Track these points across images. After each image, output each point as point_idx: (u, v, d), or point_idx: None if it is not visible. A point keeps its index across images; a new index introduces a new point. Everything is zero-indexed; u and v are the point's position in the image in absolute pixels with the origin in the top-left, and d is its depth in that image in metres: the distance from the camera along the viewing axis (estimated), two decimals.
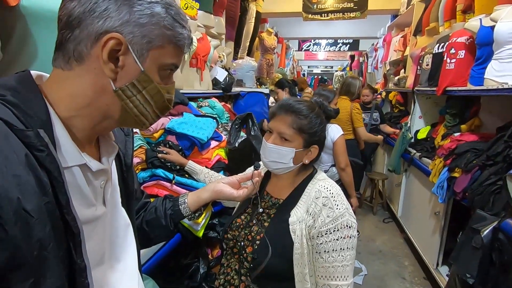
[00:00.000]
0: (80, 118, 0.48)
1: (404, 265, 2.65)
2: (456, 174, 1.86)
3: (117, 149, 0.60)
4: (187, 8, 2.12)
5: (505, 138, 1.54)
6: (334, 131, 2.06)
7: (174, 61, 0.52)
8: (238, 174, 1.11)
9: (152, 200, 0.85)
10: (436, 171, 2.12)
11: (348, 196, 2.05)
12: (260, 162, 1.01)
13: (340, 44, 9.86)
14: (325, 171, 2.04)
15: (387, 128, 3.61)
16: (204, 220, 1.30)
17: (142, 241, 0.76)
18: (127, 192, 0.65)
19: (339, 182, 2.08)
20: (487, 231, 1.39)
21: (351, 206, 2.08)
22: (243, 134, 1.71)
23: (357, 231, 3.07)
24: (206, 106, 2.04)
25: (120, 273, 0.59)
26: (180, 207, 0.82)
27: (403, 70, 4.04)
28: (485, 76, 1.79)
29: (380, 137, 3.32)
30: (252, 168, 1.13)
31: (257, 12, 4.14)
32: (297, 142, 0.90)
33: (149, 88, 0.51)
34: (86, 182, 0.50)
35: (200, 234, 1.29)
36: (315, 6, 5.06)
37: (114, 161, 0.60)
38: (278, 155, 0.90)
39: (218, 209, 1.51)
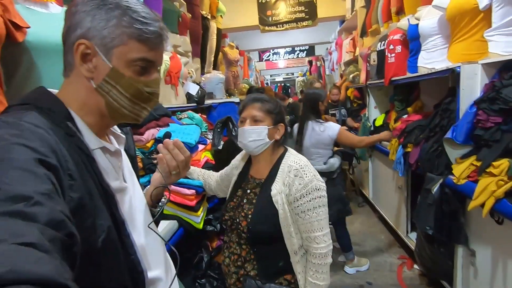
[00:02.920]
0: (87, 115, 0.59)
1: (381, 239, 2.95)
2: (409, 149, 2.19)
3: (125, 139, 0.72)
4: None
5: (439, 112, 1.88)
6: (330, 129, 2.22)
7: (141, 55, 0.57)
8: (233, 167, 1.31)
9: None
10: (393, 150, 2.45)
11: None
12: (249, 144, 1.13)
13: (298, 51, 10.45)
14: (324, 163, 2.27)
15: (351, 122, 3.99)
16: (202, 213, 1.46)
17: None
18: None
19: (340, 169, 2.32)
20: (436, 188, 1.70)
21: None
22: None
23: None
24: (185, 117, 2.21)
25: (152, 241, 0.72)
26: None
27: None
28: (418, 65, 2.16)
29: None
30: (238, 158, 1.32)
31: (218, 29, 4.40)
32: (268, 121, 1.13)
33: (122, 82, 0.57)
34: (108, 161, 0.62)
35: (201, 226, 1.45)
36: (270, 19, 5.44)
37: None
38: (255, 134, 1.11)
39: (212, 206, 1.67)
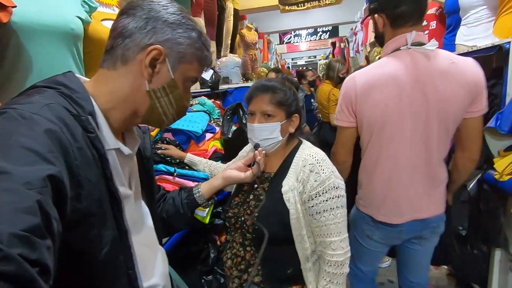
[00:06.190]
0: (115, 111, 0.57)
1: None
2: None
3: (139, 142, 0.68)
4: None
5: None
6: None
7: (196, 75, 0.63)
8: (241, 159, 1.18)
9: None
10: None
11: None
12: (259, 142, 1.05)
13: (320, 33, 9.98)
14: None
15: None
16: (208, 208, 1.37)
17: (164, 229, 0.83)
18: (149, 180, 0.73)
19: None
20: (472, 184, 1.49)
21: None
22: (234, 128, 1.78)
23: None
24: (196, 104, 2.11)
25: (149, 247, 0.67)
26: (195, 196, 0.90)
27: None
28: (456, 42, 1.90)
29: None
30: (246, 149, 1.20)
31: (235, 10, 4.20)
32: (280, 115, 0.96)
33: (175, 93, 0.61)
34: (119, 164, 0.59)
35: (207, 221, 1.36)
36: None
37: (135, 155, 0.68)
38: (267, 132, 0.96)
39: (220, 198, 1.58)
